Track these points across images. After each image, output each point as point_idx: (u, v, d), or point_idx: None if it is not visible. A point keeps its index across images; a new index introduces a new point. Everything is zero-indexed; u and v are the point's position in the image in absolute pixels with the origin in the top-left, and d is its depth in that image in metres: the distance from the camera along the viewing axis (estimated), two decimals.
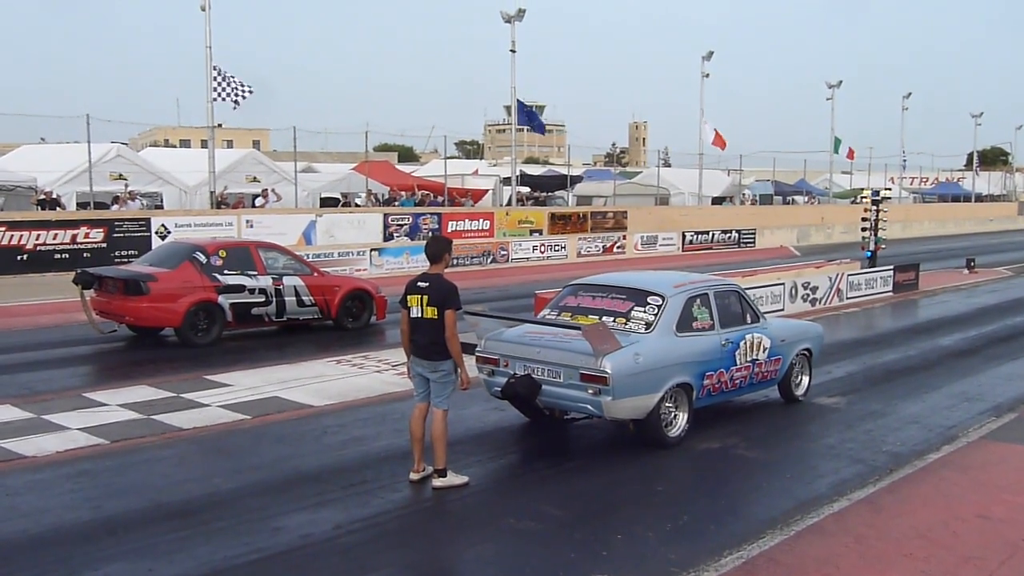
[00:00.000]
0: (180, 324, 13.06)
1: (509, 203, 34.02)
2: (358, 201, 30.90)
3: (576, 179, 42.24)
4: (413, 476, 7.39)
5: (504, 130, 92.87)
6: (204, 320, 13.29)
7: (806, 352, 9.97)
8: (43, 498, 6.95)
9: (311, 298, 14.46)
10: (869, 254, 23.22)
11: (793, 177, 52.78)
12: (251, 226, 22.63)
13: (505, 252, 28.88)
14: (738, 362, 8.64)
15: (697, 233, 36.23)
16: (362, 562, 5.85)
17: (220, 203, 25.73)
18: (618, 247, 33.36)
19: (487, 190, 36.28)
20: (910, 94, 57.98)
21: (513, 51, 31.76)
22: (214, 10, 23.75)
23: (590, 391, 7.35)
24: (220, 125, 32.18)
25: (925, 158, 71.60)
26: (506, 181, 36.65)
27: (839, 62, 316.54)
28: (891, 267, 22.28)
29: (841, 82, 49.40)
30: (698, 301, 8.30)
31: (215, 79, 24.07)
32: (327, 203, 30.71)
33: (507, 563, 5.83)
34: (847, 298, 20.42)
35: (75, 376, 11.75)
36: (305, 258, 16.05)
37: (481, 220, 29.36)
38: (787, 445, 8.96)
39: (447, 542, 6.29)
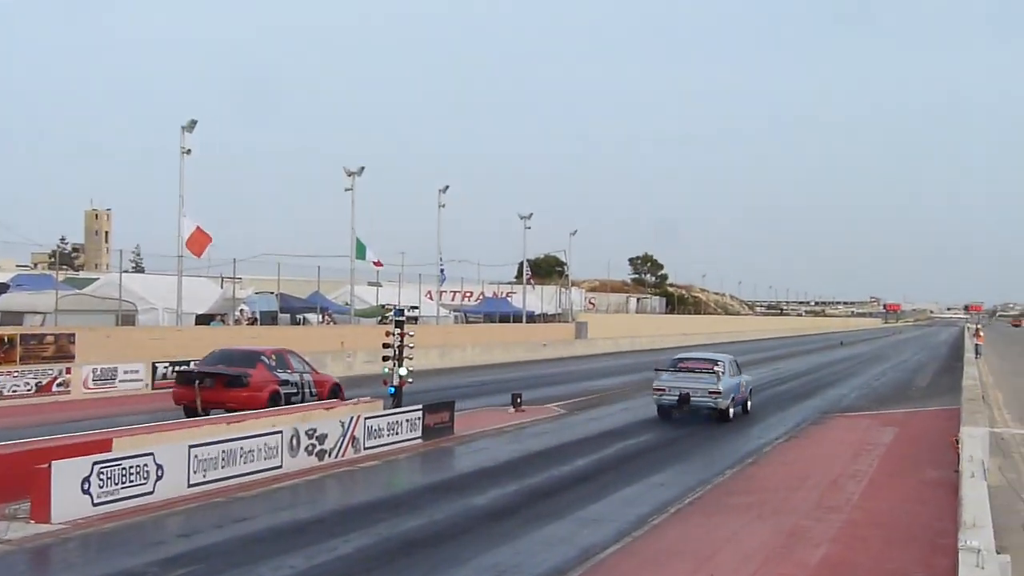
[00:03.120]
0: (264, 405, 24.79)
1: None
2: None
3: (1, 288, 39.83)
4: None
5: None
6: (271, 403, 25.25)
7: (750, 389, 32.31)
8: None
9: (315, 389, 27.65)
10: (393, 390, 24.87)
11: (306, 289, 54.98)
12: None
13: None
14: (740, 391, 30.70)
15: (173, 364, 35.80)
16: None
17: None
18: (59, 384, 31.96)
19: None
20: (447, 187, 63.64)
21: None
22: None
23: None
24: None
25: (469, 267, 79.14)
26: None
27: (364, 152, 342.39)
28: (420, 407, 24.05)
29: (363, 168, 52.84)
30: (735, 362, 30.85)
31: None
32: None
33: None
34: (365, 448, 21.49)
35: None
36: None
37: None
38: None
39: None
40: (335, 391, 28.19)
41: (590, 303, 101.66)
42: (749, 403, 31.81)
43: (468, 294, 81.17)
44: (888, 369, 59.08)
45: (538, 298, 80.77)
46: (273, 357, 27.14)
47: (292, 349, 29.27)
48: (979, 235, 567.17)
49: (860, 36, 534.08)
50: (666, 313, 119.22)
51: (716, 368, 29.36)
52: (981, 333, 71.75)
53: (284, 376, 26.81)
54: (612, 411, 32.47)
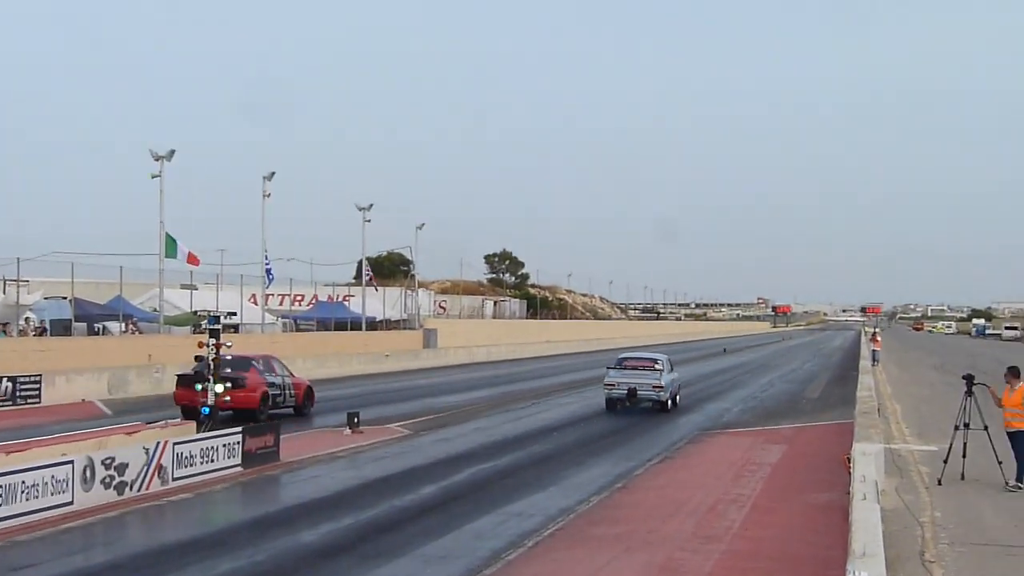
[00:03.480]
0: (257, 406, 32.64)
1: None
2: None
3: None
4: None
5: None
6: (263, 404, 33.04)
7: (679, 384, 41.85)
8: None
9: (293, 392, 35.19)
10: (207, 411, 24.62)
11: (107, 293, 53.84)
12: None
13: None
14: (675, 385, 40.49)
15: None
16: None
17: None
18: None
19: None
20: (273, 174, 62.90)
21: None
22: None
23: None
24: None
25: (300, 267, 78.67)
26: None
27: (178, 139, 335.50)
28: (239, 430, 23.92)
29: (174, 152, 52.12)
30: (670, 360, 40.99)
31: None
32: None
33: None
34: (174, 479, 21.23)
35: None
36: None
37: None
38: None
39: None
40: (309, 393, 36.62)
41: (440, 307, 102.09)
42: (678, 397, 40.74)
43: (299, 298, 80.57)
44: (776, 379, 60.88)
45: (380, 302, 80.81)
46: (261, 362, 34.94)
47: (273, 355, 37.84)
48: (877, 232, 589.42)
49: (716, 37, 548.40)
50: (527, 318, 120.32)
51: (657, 366, 39.27)
52: (879, 338, 74.42)
53: (271, 379, 34.57)
54: (465, 431, 32.72)
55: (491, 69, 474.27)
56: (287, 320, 72.41)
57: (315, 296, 78.24)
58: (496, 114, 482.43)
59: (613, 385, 38.43)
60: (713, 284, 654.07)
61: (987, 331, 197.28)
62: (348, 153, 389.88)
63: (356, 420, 30.72)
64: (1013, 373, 20.77)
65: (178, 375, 34.16)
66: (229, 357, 31.38)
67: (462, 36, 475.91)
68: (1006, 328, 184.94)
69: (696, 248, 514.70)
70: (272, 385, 34.24)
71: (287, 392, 35.09)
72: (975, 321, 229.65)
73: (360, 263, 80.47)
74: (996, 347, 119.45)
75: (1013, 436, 20.35)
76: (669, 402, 38.56)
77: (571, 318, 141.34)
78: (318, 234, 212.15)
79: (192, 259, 55.00)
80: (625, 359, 40.42)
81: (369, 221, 74.84)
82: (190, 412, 29.62)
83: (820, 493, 21.27)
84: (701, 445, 30.37)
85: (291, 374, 36.26)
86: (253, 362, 34.18)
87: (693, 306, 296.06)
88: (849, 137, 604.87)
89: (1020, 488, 19.98)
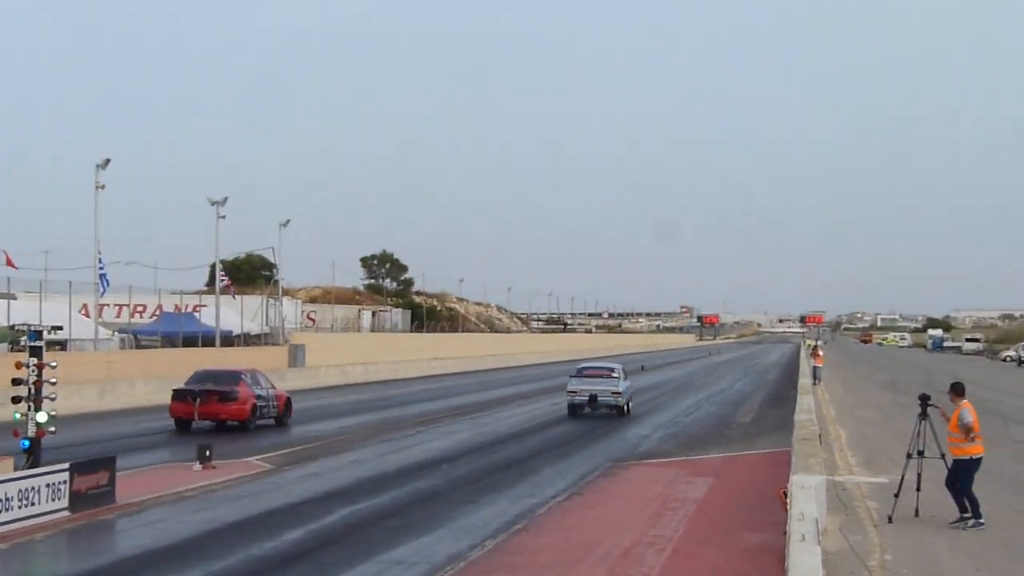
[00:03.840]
0: (247, 417, 41.38)
1: None
2: None
3: None
4: None
5: None
6: (252, 415, 41.66)
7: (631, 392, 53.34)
8: None
9: (276, 403, 43.89)
10: (27, 444, 24.06)
11: None
12: None
13: None
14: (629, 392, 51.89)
15: None
16: None
17: None
18: None
19: None
20: (108, 161, 60.74)
21: None
22: None
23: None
24: None
25: (143, 272, 77.27)
26: None
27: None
28: (67, 466, 23.38)
29: None
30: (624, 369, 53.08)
31: None
32: None
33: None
34: None
35: None
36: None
37: None
38: None
39: None
40: (288, 405, 45.07)
41: (309, 318, 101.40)
42: (631, 404, 51.29)
43: (140, 308, 79.54)
44: (702, 401, 61.57)
45: (238, 313, 79.95)
46: (249, 375, 43.01)
47: (258, 369, 46.80)
48: (819, 230, 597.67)
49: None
50: (412, 331, 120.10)
51: (614, 374, 50.20)
52: (820, 352, 75.64)
53: (258, 391, 42.60)
54: (338, 464, 32.61)
55: (367, 45, 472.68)
56: (126, 335, 71.19)
57: (160, 306, 77.41)
58: (376, 93, 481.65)
59: (575, 392, 49.06)
60: (629, 291, 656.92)
61: (945, 343, 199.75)
62: (200, 139, 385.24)
63: (208, 453, 30.37)
64: (956, 391, 21.11)
65: (174, 389, 42.41)
66: (220, 370, 44.82)
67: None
68: (967, 340, 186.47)
69: (609, 249, 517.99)
70: (259, 397, 42.42)
71: (271, 404, 43.40)
72: (931, 332, 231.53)
73: (214, 267, 79.56)
74: (955, 361, 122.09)
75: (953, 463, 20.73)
76: (625, 407, 49.77)
77: (463, 331, 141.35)
78: (164, 233, 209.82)
79: (8, 262, 53.99)
80: (584, 369, 51.70)
81: (224, 217, 73.95)
82: (184, 425, 41.16)
83: (752, 534, 21.47)
84: (614, 479, 30.52)
85: (273, 386, 44.86)
86: (242, 375, 42.71)
87: (606, 316, 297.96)
88: (785, 122, 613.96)
89: (964, 521, 20.34)
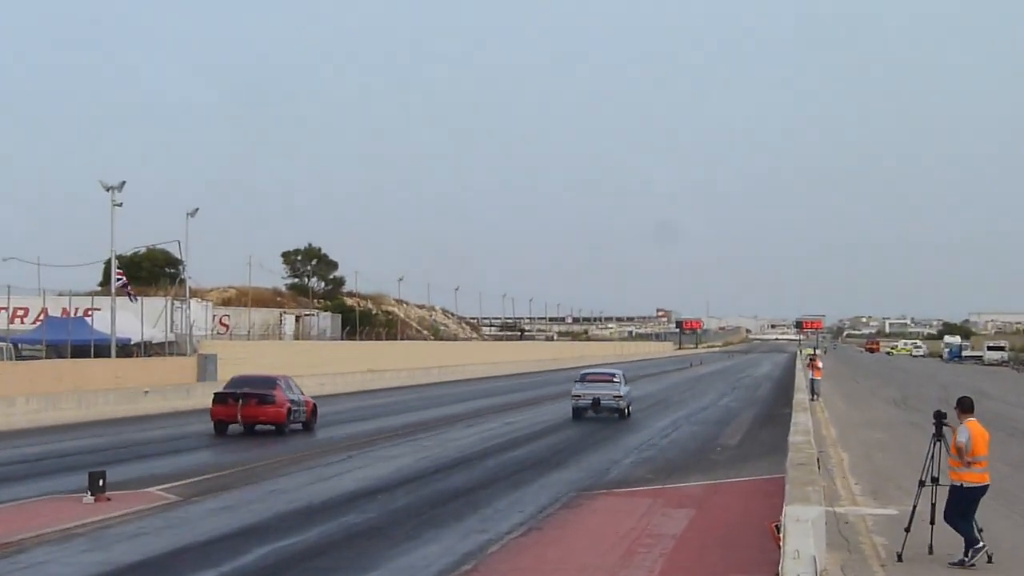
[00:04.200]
0: (284, 420, 51.48)
1: None
2: None
3: None
4: None
5: None
6: (288, 418, 52.13)
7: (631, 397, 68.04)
8: None
9: (305, 408, 53.88)
10: None
11: None
12: None
13: None
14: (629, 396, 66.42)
15: None
16: None
17: None
18: None
19: None
20: None
21: None
22: None
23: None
24: None
25: (24, 270, 76.45)
26: None
27: None
28: None
29: None
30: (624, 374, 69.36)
31: None
32: None
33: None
34: None
35: None
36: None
37: None
38: None
39: None
40: (314, 411, 53.58)
41: (222, 324, 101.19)
42: (631, 407, 62.76)
43: (22, 312, 79.20)
44: (682, 420, 62.08)
45: (137, 317, 79.83)
46: (283, 381, 51.66)
47: (288, 375, 54.48)
48: (816, 224, 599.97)
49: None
50: (343, 338, 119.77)
51: (615, 379, 62.06)
52: (819, 363, 75.94)
53: (292, 396, 51.34)
54: (255, 495, 32.50)
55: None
56: (4, 344, 70.90)
57: (44, 310, 77.61)
58: (289, 67, 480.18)
59: (580, 396, 60.34)
60: (598, 292, 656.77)
61: (963, 352, 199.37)
62: (93, 116, 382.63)
63: (102, 483, 30.13)
64: (963, 407, 21.15)
65: (215, 393, 52.05)
66: (257, 376, 53.95)
67: None
68: (989, 348, 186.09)
69: (573, 244, 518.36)
70: (293, 402, 51.15)
71: (301, 409, 52.06)
72: (948, 339, 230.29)
73: (108, 263, 79.24)
74: (976, 373, 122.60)
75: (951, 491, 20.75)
76: (626, 410, 61.29)
77: (403, 338, 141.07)
78: (49, 224, 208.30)
79: None
80: (587, 374, 65.12)
81: (120, 205, 73.84)
82: (224, 428, 50.14)
83: (739, 575, 21.54)
84: (579, 511, 30.55)
85: (302, 392, 53.66)
86: (278, 381, 51.49)
87: (570, 320, 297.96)
88: (757, 125, 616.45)
89: (966, 562, 20.39)
